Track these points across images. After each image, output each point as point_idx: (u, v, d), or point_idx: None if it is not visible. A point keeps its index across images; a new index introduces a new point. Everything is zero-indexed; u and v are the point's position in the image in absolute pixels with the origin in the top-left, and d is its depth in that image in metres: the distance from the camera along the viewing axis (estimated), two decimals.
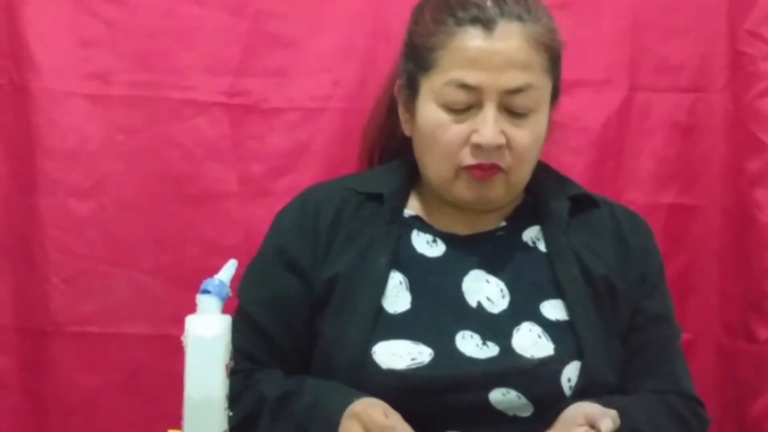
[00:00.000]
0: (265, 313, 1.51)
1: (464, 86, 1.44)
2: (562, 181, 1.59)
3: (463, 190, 1.48)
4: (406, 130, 1.55)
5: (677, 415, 1.49)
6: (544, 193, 1.55)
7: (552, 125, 1.54)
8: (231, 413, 1.26)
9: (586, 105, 1.92)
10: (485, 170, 1.46)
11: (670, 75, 1.96)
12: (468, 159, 1.46)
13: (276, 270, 1.52)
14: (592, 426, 1.33)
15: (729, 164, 1.96)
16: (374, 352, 1.44)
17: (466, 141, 1.45)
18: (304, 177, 1.87)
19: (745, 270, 1.95)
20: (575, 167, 1.89)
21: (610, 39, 1.95)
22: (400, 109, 1.55)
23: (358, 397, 1.38)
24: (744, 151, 1.94)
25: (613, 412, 1.34)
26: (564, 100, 1.59)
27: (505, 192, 1.50)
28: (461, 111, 1.45)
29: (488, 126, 1.44)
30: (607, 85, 1.95)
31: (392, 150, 1.63)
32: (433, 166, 1.49)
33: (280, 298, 1.52)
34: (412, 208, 1.56)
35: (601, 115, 1.95)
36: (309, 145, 1.91)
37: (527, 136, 1.46)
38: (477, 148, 1.45)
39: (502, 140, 1.44)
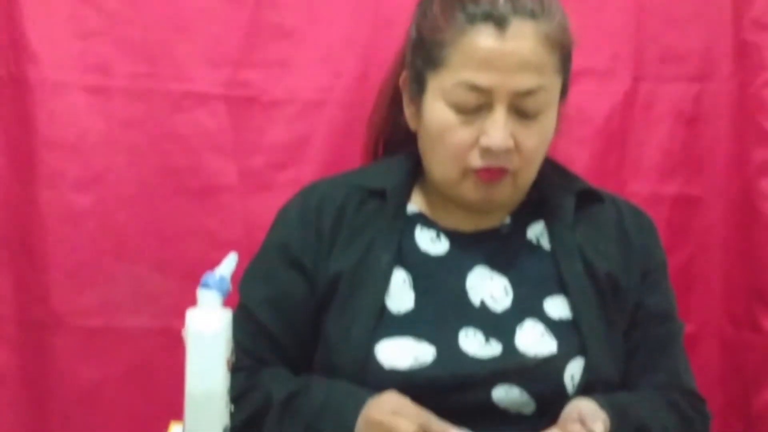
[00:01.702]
0: (268, 310, 1.49)
1: (475, 88, 1.40)
2: (567, 176, 1.56)
3: (469, 191, 1.45)
4: (411, 124, 1.51)
5: (679, 411, 1.48)
6: (550, 189, 1.53)
7: (560, 120, 1.50)
8: (234, 410, 1.25)
9: (590, 95, 1.91)
10: (493, 173, 1.43)
11: (675, 64, 1.95)
12: (476, 161, 1.42)
13: (279, 267, 1.50)
14: (584, 424, 1.33)
15: (734, 154, 1.95)
16: (377, 351, 1.42)
17: (474, 143, 1.42)
18: (305, 170, 1.87)
19: (750, 261, 1.94)
20: (579, 158, 1.88)
21: (614, 28, 1.94)
22: (405, 102, 1.51)
23: (370, 396, 1.37)
24: (749, 141, 1.93)
25: (604, 416, 1.34)
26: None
27: (512, 192, 1.47)
28: (470, 111, 1.41)
29: (498, 130, 1.40)
30: (611, 74, 1.94)
31: (396, 141, 1.59)
32: (440, 166, 1.46)
33: (283, 295, 1.50)
34: (416, 203, 1.54)
35: (605, 105, 1.94)
36: (310, 138, 1.90)
37: (536, 137, 1.43)
38: (486, 151, 1.41)
39: (511, 144, 1.41)
